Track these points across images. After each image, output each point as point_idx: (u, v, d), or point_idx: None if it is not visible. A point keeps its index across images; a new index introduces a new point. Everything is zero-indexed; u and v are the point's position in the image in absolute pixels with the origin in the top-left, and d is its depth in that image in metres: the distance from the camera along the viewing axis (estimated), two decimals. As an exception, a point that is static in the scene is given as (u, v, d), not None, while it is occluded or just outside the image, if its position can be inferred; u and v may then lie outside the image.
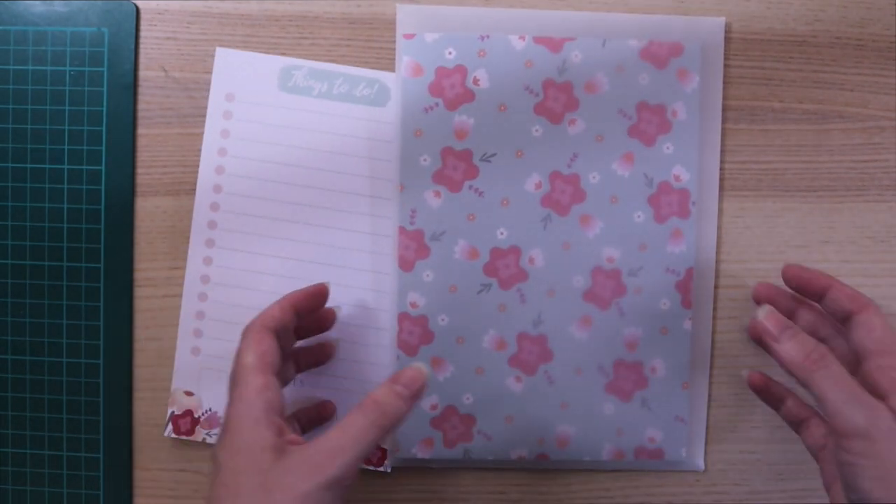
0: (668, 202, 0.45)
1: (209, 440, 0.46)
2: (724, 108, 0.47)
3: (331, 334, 0.46)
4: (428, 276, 0.45)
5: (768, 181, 0.47)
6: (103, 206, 0.47)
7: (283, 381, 0.41)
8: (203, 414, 0.46)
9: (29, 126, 0.46)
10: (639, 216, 0.45)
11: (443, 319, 0.45)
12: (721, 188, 0.47)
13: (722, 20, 0.46)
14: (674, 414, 0.46)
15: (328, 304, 0.44)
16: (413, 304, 0.45)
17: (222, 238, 0.46)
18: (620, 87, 0.45)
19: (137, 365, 0.47)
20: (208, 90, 0.47)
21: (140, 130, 0.47)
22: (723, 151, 0.47)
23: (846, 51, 0.47)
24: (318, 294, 0.43)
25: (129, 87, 0.46)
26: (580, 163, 0.45)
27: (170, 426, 0.46)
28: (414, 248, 0.45)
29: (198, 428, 0.46)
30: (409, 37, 0.45)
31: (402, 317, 0.45)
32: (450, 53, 0.45)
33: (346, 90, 0.46)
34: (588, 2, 0.47)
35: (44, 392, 0.47)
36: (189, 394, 0.46)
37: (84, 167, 0.46)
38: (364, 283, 0.46)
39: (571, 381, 0.46)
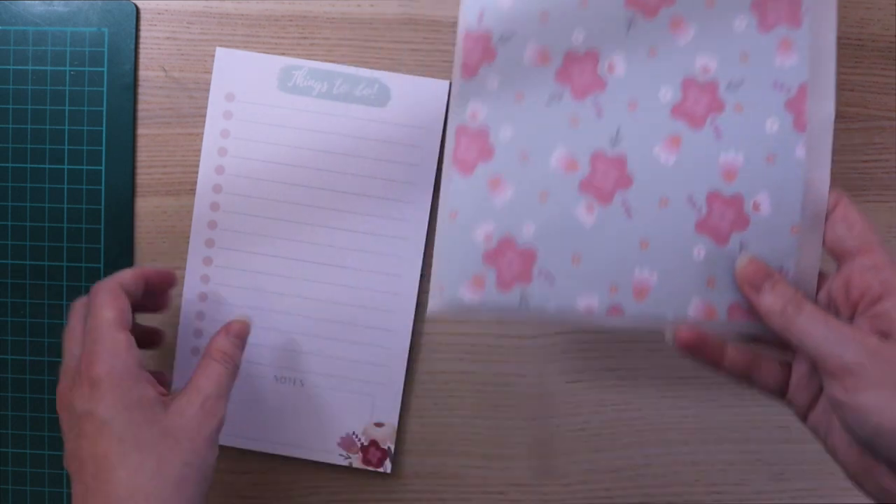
0: (775, 8, 0.39)
1: None
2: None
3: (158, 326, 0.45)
4: (493, 82, 0.39)
5: (768, 181, 0.47)
6: (103, 206, 0.47)
7: None
8: None
9: (29, 126, 0.46)
10: (740, 22, 0.39)
11: (505, 132, 0.39)
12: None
13: None
14: (778, 264, 0.38)
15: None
16: (473, 115, 0.39)
17: (222, 238, 0.46)
18: None
19: (137, 365, 0.47)
20: (208, 90, 0.47)
21: (140, 130, 0.47)
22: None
23: (846, 51, 0.47)
24: (168, 277, 0.43)
25: (129, 87, 0.46)
26: None
27: None
28: (479, 51, 0.39)
29: None
30: None
31: (461, 130, 0.39)
32: None
33: (346, 90, 0.46)
34: None
35: (44, 392, 0.47)
36: None
37: (84, 167, 0.47)
38: (364, 284, 0.46)
39: (655, 215, 0.39)
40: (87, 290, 0.47)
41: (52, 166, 0.47)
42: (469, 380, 0.47)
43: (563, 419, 0.47)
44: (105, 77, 0.46)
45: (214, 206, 0.46)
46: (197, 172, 0.47)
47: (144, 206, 0.47)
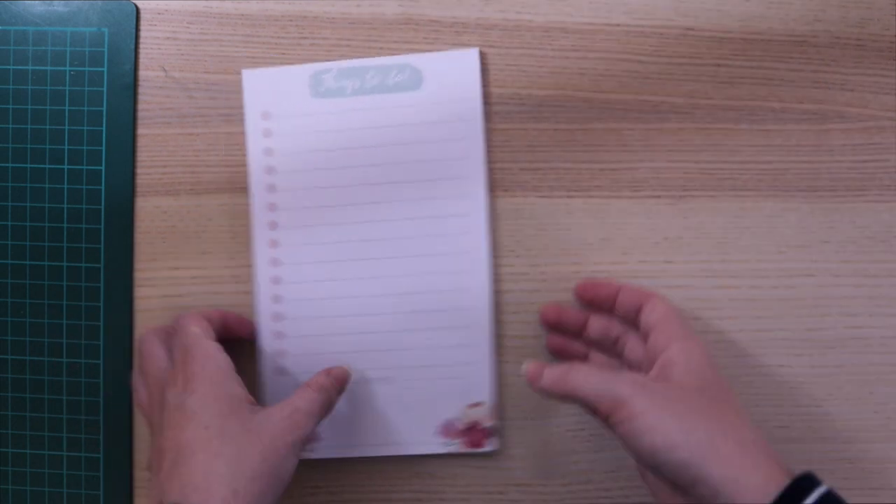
0: None
1: (311, 456, 0.46)
2: (724, 108, 0.47)
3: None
4: None
5: (768, 181, 0.47)
6: (103, 206, 0.47)
7: None
8: None
9: (29, 126, 0.46)
10: None
11: None
12: (720, 188, 0.47)
13: None
14: None
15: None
16: None
17: (285, 254, 0.46)
18: None
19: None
20: (208, 90, 0.47)
21: (140, 130, 0.47)
22: (723, 151, 0.47)
23: (846, 51, 0.47)
24: (248, 326, 0.46)
25: (129, 87, 0.46)
26: None
27: None
28: None
29: None
30: None
31: None
32: None
33: (378, 81, 0.46)
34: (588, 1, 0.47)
35: (44, 392, 0.47)
36: None
37: (84, 167, 0.47)
38: (434, 268, 0.46)
39: None
40: (87, 290, 0.47)
41: (52, 166, 0.47)
42: (469, 380, 0.47)
43: (563, 419, 0.47)
44: (105, 77, 0.46)
45: (273, 225, 0.46)
46: (196, 173, 0.47)
47: (144, 206, 0.47)
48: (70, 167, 0.47)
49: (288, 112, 0.46)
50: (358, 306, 0.46)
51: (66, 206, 0.47)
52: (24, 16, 0.46)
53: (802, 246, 0.47)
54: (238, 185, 0.47)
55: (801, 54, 0.47)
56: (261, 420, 0.39)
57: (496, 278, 0.47)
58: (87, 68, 0.46)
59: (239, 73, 0.47)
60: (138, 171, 0.47)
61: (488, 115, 0.47)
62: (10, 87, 0.46)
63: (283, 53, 0.47)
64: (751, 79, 0.47)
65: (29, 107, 0.46)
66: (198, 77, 0.47)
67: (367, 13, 0.47)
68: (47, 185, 0.47)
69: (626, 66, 0.47)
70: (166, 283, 0.47)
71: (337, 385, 0.43)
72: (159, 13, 0.47)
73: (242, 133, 0.47)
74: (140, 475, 0.47)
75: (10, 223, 0.47)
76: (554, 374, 0.39)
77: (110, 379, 0.47)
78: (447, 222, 0.46)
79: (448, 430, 0.46)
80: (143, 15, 0.47)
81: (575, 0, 0.47)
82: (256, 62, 0.47)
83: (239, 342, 0.46)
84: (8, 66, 0.46)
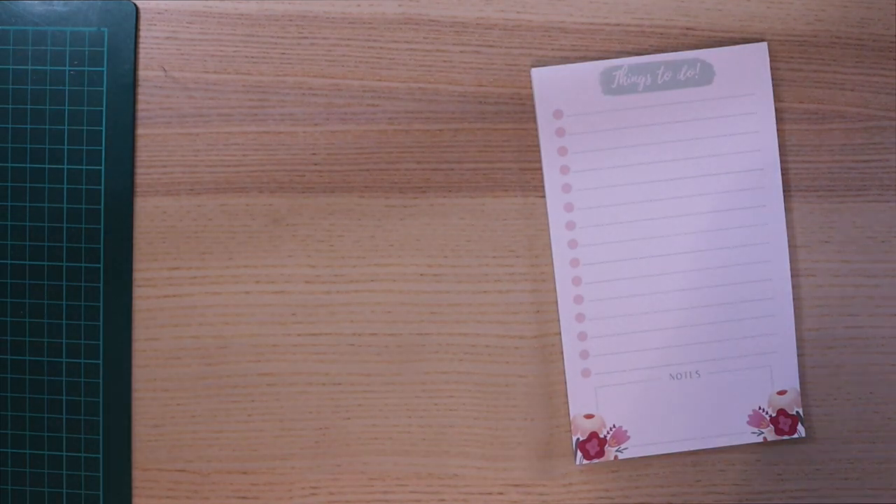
0: None
1: (620, 456, 0.46)
2: (725, 108, 0.47)
3: None
4: None
5: (768, 181, 0.47)
6: (103, 206, 0.47)
7: None
8: (608, 432, 0.46)
9: (29, 126, 0.47)
10: None
11: None
12: (721, 188, 0.47)
13: None
14: None
15: None
16: None
17: (585, 254, 0.46)
18: None
19: (137, 365, 0.47)
20: (207, 90, 0.47)
21: (140, 130, 0.47)
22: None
23: (846, 51, 0.47)
24: None
25: (128, 87, 0.47)
26: None
27: (579, 454, 0.46)
28: None
29: (606, 447, 0.46)
30: None
31: None
32: None
33: (669, 77, 0.46)
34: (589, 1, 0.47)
35: (44, 392, 0.47)
36: (589, 416, 0.46)
37: (84, 167, 0.47)
38: (734, 261, 0.46)
39: None
40: (87, 290, 0.47)
41: (52, 166, 0.47)
42: (469, 380, 0.47)
43: (563, 419, 0.47)
44: (105, 77, 0.46)
45: (570, 226, 0.46)
46: (196, 173, 0.47)
47: (144, 206, 0.47)
48: (70, 167, 0.47)
49: (580, 110, 0.46)
50: (658, 303, 0.46)
51: (65, 206, 0.47)
52: (23, 16, 0.46)
53: (802, 246, 0.47)
54: (238, 185, 0.47)
55: (801, 54, 0.47)
56: None
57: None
58: (86, 68, 0.46)
59: (238, 74, 0.47)
60: (138, 171, 0.47)
61: (486, 114, 0.47)
62: (10, 87, 0.46)
63: (283, 53, 0.47)
64: (751, 79, 0.47)
65: (28, 107, 0.46)
66: (198, 77, 0.47)
67: (367, 13, 0.47)
68: (47, 185, 0.47)
69: (626, 66, 0.47)
70: (166, 283, 0.47)
71: None
72: (159, 13, 0.47)
73: (242, 133, 0.47)
74: (139, 475, 0.47)
75: (9, 223, 0.47)
76: None
77: (110, 379, 0.47)
78: (744, 215, 0.46)
79: (757, 419, 0.47)
80: (142, 15, 0.47)
81: (575, 0, 0.47)
82: (256, 62, 0.47)
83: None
84: (7, 66, 0.46)
